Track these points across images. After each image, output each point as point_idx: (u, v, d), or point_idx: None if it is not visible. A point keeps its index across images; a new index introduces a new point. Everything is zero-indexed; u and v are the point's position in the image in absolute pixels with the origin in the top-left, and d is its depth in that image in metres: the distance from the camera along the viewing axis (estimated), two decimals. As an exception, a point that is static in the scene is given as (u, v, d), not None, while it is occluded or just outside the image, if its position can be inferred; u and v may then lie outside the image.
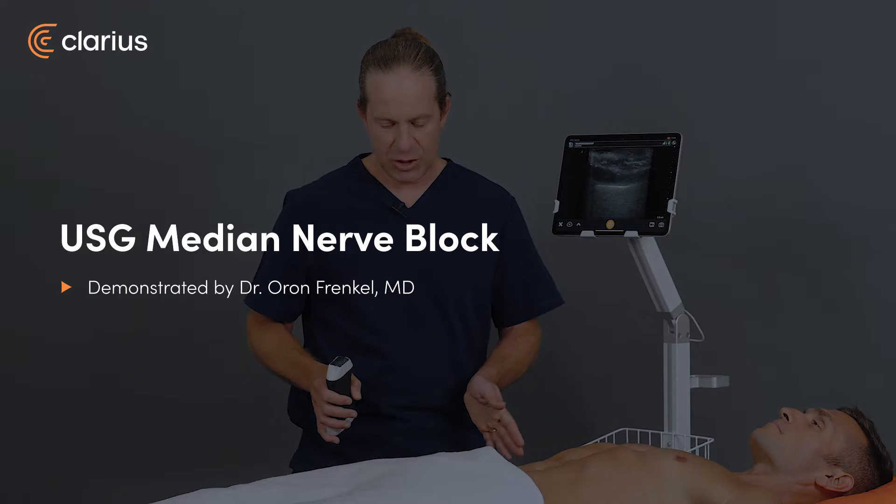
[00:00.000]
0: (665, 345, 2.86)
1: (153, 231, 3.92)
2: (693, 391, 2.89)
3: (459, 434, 2.73)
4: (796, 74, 3.39)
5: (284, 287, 2.77)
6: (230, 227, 3.79)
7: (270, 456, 3.16)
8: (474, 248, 2.72)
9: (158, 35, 3.89)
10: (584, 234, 2.84)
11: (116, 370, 3.98)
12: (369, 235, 2.70)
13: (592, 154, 2.86)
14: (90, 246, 3.98)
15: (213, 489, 2.22)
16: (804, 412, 2.49)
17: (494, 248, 2.74)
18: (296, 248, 2.75)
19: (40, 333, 4.03)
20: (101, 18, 3.93)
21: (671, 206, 2.74)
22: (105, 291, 3.98)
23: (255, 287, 2.80)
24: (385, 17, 3.62)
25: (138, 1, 3.92)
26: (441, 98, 2.65)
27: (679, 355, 2.84)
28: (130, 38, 3.91)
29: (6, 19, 4.00)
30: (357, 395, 2.54)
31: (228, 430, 3.87)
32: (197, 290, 3.87)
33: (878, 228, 3.34)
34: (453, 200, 2.74)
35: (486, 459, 2.32)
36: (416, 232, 2.70)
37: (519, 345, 2.77)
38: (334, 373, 2.50)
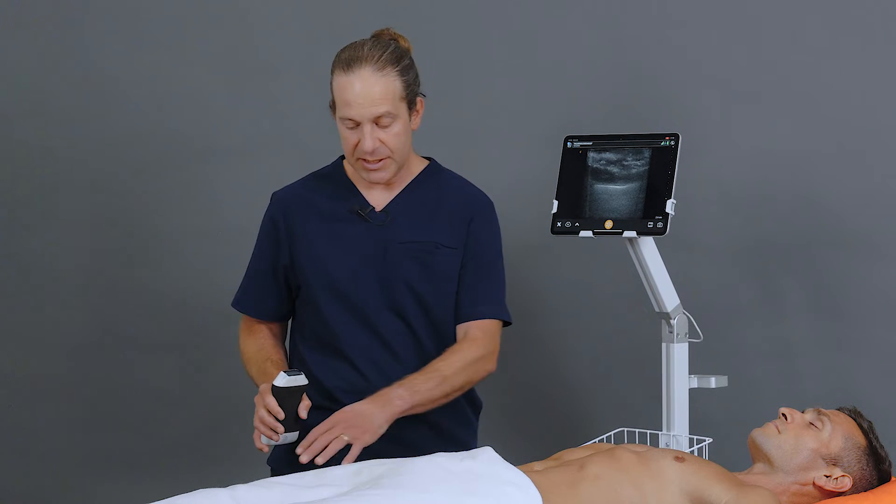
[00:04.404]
0: (664, 345, 2.86)
1: (153, 231, 3.94)
2: (692, 391, 2.89)
3: (432, 436, 2.72)
4: (796, 74, 3.39)
5: (263, 287, 2.80)
6: (231, 227, 3.81)
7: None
8: (437, 251, 2.71)
9: (159, 36, 3.90)
10: (583, 234, 2.84)
11: (116, 370, 3.98)
12: (333, 238, 2.71)
13: (591, 154, 2.86)
14: (90, 246, 3.99)
15: (211, 489, 2.22)
16: (803, 412, 2.49)
17: (460, 251, 2.73)
18: (271, 248, 2.78)
19: (40, 333, 4.03)
20: (99, 19, 3.94)
21: (670, 207, 2.74)
22: (106, 291, 4.00)
23: (239, 288, 2.85)
24: (383, 17, 3.63)
25: (136, 3, 3.93)
26: (410, 98, 2.66)
27: (678, 355, 2.84)
28: (130, 38, 3.92)
29: (5, 19, 4.00)
30: (303, 414, 2.54)
31: (227, 430, 3.88)
32: (197, 290, 3.88)
33: (877, 228, 3.34)
34: (423, 203, 2.74)
35: (484, 459, 2.32)
36: (378, 236, 2.70)
37: (450, 358, 2.67)
38: (282, 380, 2.51)
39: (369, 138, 2.61)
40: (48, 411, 4.03)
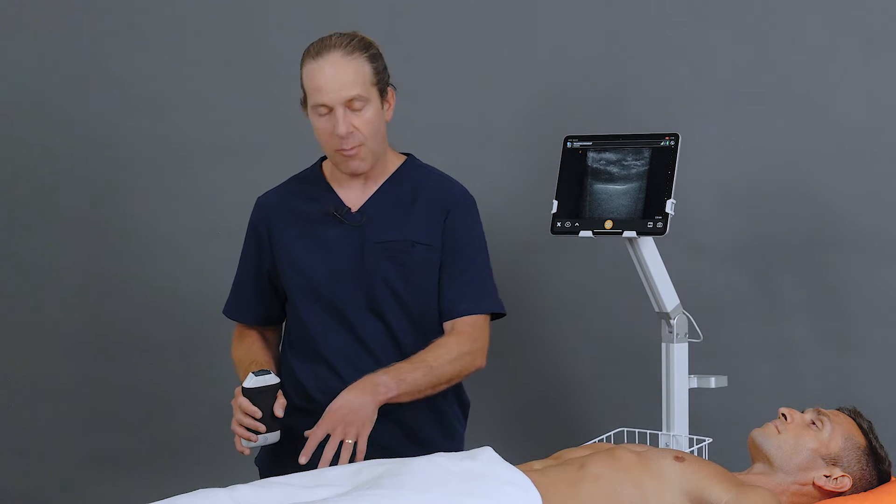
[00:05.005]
0: (663, 345, 2.86)
1: (153, 231, 3.93)
2: (691, 391, 2.89)
3: (416, 436, 2.71)
4: (796, 74, 3.39)
5: (251, 293, 2.81)
6: (231, 227, 3.80)
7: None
8: (412, 248, 2.70)
9: (159, 36, 3.90)
10: (583, 234, 2.84)
11: (115, 370, 3.98)
12: (311, 241, 2.72)
13: (591, 154, 2.86)
14: (90, 246, 3.99)
15: (211, 489, 2.22)
16: (802, 412, 2.49)
17: (437, 248, 2.71)
18: (253, 252, 2.80)
19: (40, 333, 4.03)
20: (99, 19, 3.94)
21: (669, 207, 2.74)
22: (105, 291, 4.00)
23: (229, 294, 2.87)
24: (383, 16, 3.62)
25: (137, 3, 3.92)
26: (381, 87, 2.65)
27: (677, 355, 2.84)
28: (130, 38, 3.92)
29: (5, 19, 4.00)
30: (279, 412, 2.54)
31: (227, 430, 3.86)
32: (197, 290, 3.88)
33: (877, 228, 3.34)
34: (399, 201, 2.73)
35: (484, 459, 2.32)
36: (354, 236, 2.70)
37: (436, 350, 2.65)
38: (251, 381, 2.52)
39: (342, 122, 2.60)
40: (48, 411, 4.03)
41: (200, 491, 2.21)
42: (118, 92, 3.92)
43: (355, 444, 2.49)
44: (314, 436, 2.47)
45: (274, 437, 2.56)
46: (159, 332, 3.93)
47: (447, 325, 2.71)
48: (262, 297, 2.81)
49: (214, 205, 3.86)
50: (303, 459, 2.46)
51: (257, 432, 2.54)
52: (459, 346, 2.66)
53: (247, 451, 2.57)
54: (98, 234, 3.98)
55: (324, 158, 2.82)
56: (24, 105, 4.00)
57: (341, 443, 2.48)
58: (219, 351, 3.76)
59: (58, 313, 4.01)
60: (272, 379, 2.54)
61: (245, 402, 2.53)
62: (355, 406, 2.50)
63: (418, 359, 2.63)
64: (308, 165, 2.87)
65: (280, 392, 2.57)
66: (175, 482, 3.27)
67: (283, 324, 2.86)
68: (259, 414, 2.52)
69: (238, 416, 2.54)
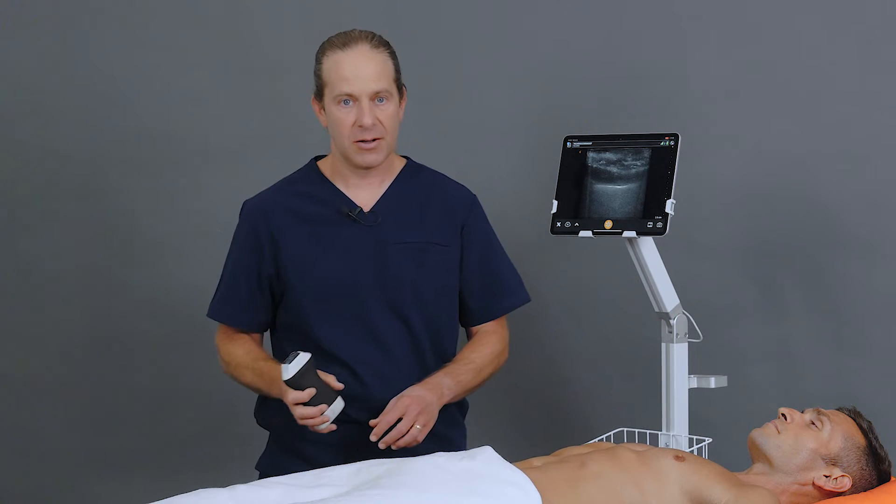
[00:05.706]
0: (663, 345, 2.86)
1: (153, 231, 3.94)
2: (691, 391, 2.89)
3: (428, 440, 2.69)
4: (796, 74, 3.39)
5: (246, 297, 2.76)
6: (230, 228, 3.80)
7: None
8: (432, 248, 2.70)
9: (159, 36, 3.90)
10: (583, 234, 2.84)
11: (115, 370, 3.98)
12: (323, 242, 2.69)
13: (591, 154, 2.86)
14: (90, 246, 3.99)
15: (211, 489, 2.22)
16: (802, 412, 2.49)
17: (453, 248, 2.73)
18: (253, 258, 2.74)
19: (41, 333, 4.03)
20: (99, 19, 3.94)
21: (670, 207, 2.74)
22: (106, 292, 4.00)
23: (215, 297, 2.81)
24: (383, 16, 3.62)
25: (136, 3, 3.92)
26: (399, 85, 2.68)
27: (677, 355, 2.84)
28: (130, 38, 3.92)
29: (5, 19, 4.00)
30: (328, 378, 2.56)
31: (227, 430, 3.88)
32: (197, 290, 3.87)
33: (877, 228, 3.34)
34: (410, 202, 2.73)
35: (483, 459, 2.32)
36: (370, 237, 2.69)
37: (481, 350, 2.76)
38: (288, 371, 2.51)
39: (368, 113, 2.61)
40: (48, 411, 4.03)
41: (200, 491, 2.22)
42: (118, 92, 3.92)
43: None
44: (385, 419, 2.55)
45: (339, 404, 2.57)
46: (159, 332, 3.93)
47: (475, 328, 2.81)
48: (259, 302, 2.75)
49: (214, 205, 3.86)
50: (373, 438, 2.55)
51: (322, 414, 2.55)
52: (497, 345, 2.78)
53: (333, 427, 2.58)
54: (98, 234, 3.98)
55: (317, 159, 2.80)
56: (24, 105, 4.00)
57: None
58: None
59: (58, 313, 4.01)
60: (304, 356, 2.53)
61: (297, 395, 2.52)
62: (427, 401, 2.59)
63: (467, 359, 2.72)
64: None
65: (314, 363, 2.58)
66: (175, 482, 3.27)
67: (275, 326, 2.82)
68: (313, 393, 2.52)
69: (298, 412, 2.54)
